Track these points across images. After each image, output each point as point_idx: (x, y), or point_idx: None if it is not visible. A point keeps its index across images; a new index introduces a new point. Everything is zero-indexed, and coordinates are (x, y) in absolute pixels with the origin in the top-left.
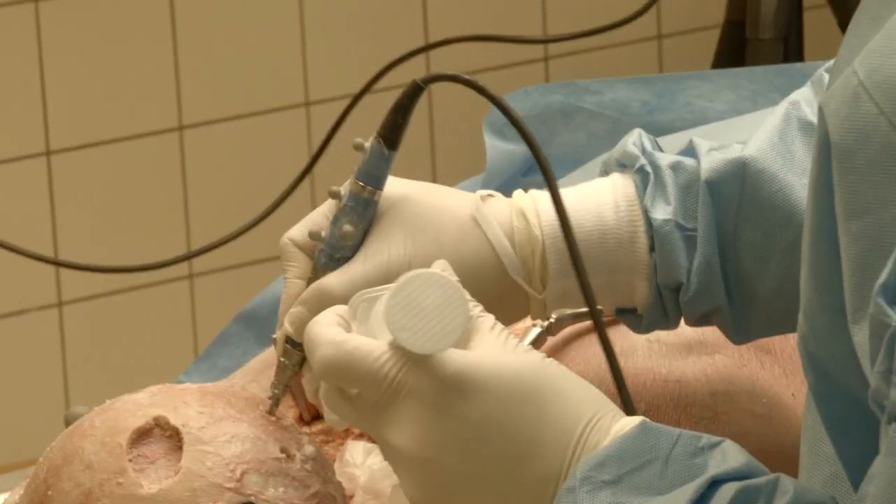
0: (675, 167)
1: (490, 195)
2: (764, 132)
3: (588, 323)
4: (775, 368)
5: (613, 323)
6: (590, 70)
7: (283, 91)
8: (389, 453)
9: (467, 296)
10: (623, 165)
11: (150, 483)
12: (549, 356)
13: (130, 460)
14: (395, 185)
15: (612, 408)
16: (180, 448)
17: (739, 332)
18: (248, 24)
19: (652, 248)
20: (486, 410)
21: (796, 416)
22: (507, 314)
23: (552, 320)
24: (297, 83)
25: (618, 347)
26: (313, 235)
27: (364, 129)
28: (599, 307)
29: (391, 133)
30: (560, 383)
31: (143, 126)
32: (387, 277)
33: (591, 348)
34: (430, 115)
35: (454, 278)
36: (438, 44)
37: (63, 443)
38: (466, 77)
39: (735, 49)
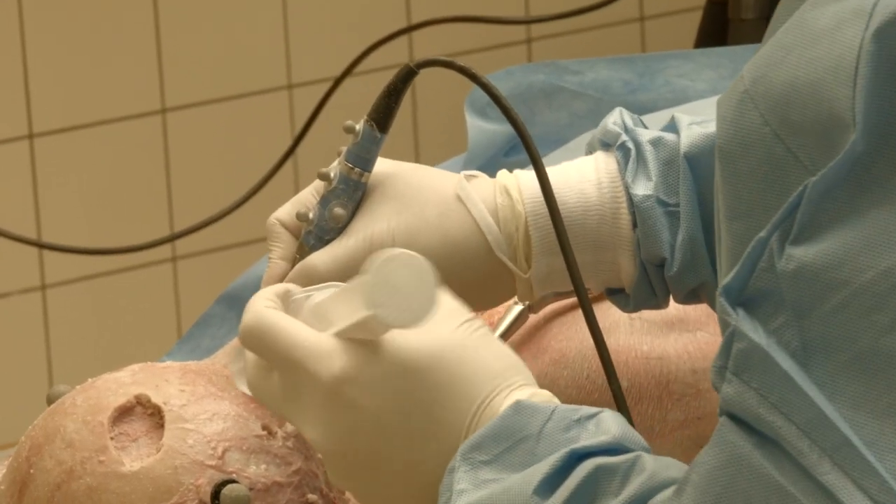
0: (656, 143)
1: (474, 175)
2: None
3: (571, 300)
4: None
5: (596, 300)
6: (572, 52)
7: (265, 73)
8: (308, 441)
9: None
10: (606, 144)
11: (132, 461)
12: (530, 334)
13: (112, 438)
14: (380, 164)
15: (513, 382)
16: (162, 426)
17: None
18: (231, 6)
19: (635, 225)
20: (379, 402)
21: None
22: (494, 295)
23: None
24: (279, 66)
25: (600, 325)
26: (301, 217)
27: (347, 111)
28: (587, 287)
29: (383, 116)
30: (462, 366)
31: (126, 109)
32: (370, 252)
33: (573, 325)
34: (412, 96)
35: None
36: (420, 25)
37: (45, 421)
38: (460, 64)
39: (717, 29)
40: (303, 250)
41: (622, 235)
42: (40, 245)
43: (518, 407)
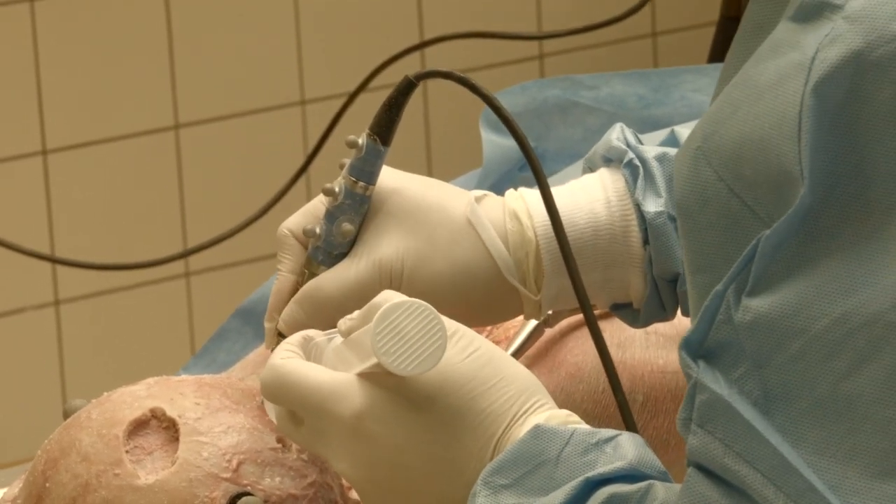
0: (661, 159)
1: (485, 195)
2: None
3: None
4: None
5: (611, 315)
6: (585, 67)
7: (278, 89)
8: (339, 474)
9: (450, 333)
10: (608, 160)
11: (147, 474)
12: (546, 348)
13: (127, 451)
14: (388, 178)
15: (531, 405)
16: (177, 439)
17: None
18: (244, 22)
19: (646, 241)
20: (398, 437)
21: None
22: (501, 314)
23: (550, 312)
24: (292, 81)
25: (615, 339)
26: (308, 233)
27: (360, 128)
28: (593, 304)
29: (385, 129)
30: (477, 400)
31: (139, 125)
32: (379, 276)
33: (589, 339)
34: (425, 112)
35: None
36: (433, 41)
37: (60, 435)
38: (458, 74)
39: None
40: (311, 264)
41: (633, 253)
42: (53, 260)
43: (537, 432)
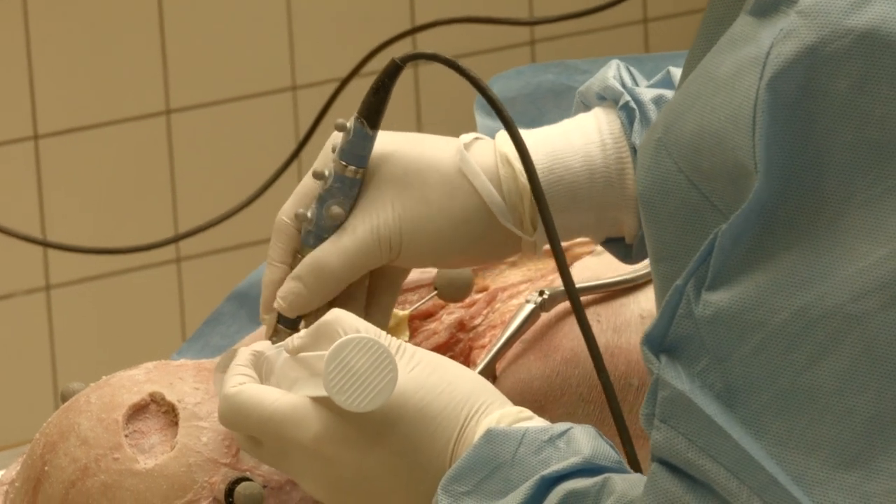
0: (658, 101)
1: (475, 139)
2: None
3: (581, 299)
4: None
5: (607, 299)
6: (576, 53)
7: (269, 75)
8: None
9: (392, 352)
10: (602, 98)
11: (146, 458)
12: (542, 333)
13: (126, 436)
14: (377, 145)
15: (481, 406)
16: (176, 423)
17: None
18: (235, 7)
19: None
20: (358, 456)
21: None
22: (498, 254)
23: (545, 297)
24: (283, 67)
25: (611, 324)
26: (300, 217)
27: (351, 113)
28: (587, 240)
29: (373, 112)
30: (428, 407)
31: (131, 110)
32: (378, 244)
33: None
34: (416, 97)
35: (380, 336)
36: (425, 26)
37: (59, 419)
38: (445, 56)
39: None
40: (303, 248)
41: (628, 195)
42: (45, 244)
43: (489, 436)
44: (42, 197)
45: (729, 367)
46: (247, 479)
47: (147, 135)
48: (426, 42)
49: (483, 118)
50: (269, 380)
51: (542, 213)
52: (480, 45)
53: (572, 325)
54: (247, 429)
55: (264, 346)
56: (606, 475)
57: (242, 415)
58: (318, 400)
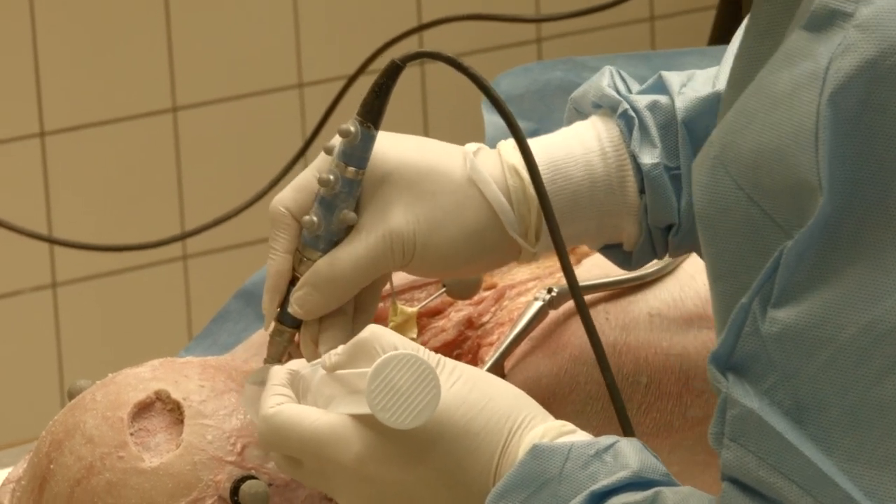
0: (653, 108)
1: (479, 148)
2: (729, 64)
3: (589, 297)
4: None
5: (615, 297)
6: (582, 51)
7: (276, 73)
8: None
9: (436, 370)
10: (598, 106)
11: (152, 457)
12: (550, 330)
13: (132, 434)
14: (383, 146)
15: (524, 420)
16: (181, 421)
17: None
18: (242, 5)
19: (641, 191)
20: (401, 474)
21: None
22: (497, 264)
23: (554, 294)
24: (290, 65)
25: (619, 322)
26: (306, 224)
27: (358, 111)
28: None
29: (375, 114)
30: (471, 423)
31: (137, 107)
32: (391, 249)
33: (593, 322)
34: (423, 95)
35: (422, 354)
36: (432, 24)
37: (65, 417)
38: (446, 55)
39: (732, 28)
40: (308, 251)
41: (629, 203)
42: (51, 241)
43: (536, 451)
44: (48, 194)
45: (797, 384)
46: (252, 477)
47: (154, 132)
48: (432, 39)
49: (491, 115)
50: (306, 398)
51: (549, 223)
52: (487, 42)
53: (579, 323)
54: (287, 449)
55: (300, 364)
56: (657, 489)
57: (282, 435)
58: (358, 418)
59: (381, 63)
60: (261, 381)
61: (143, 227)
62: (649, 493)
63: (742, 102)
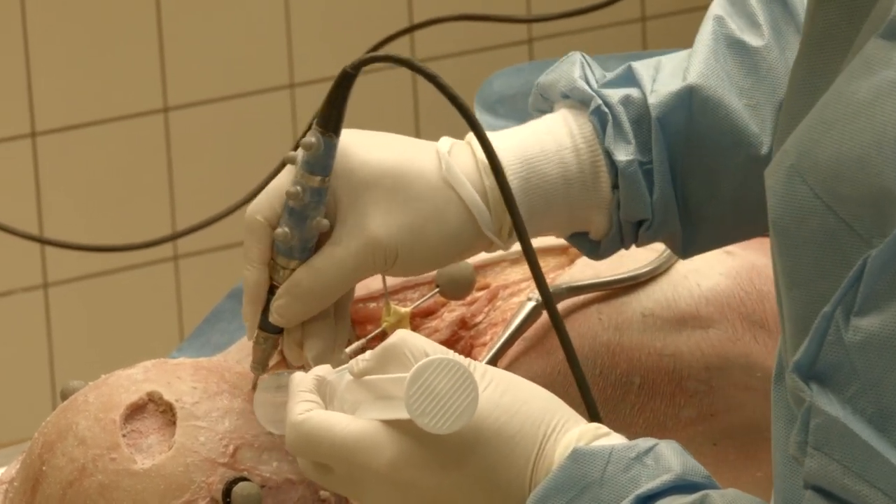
0: (625, 102)
1: (452, 144)
2: (700, 56)
3: (582, 297)
4: (769, 343)
5: (608, 297)
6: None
7: (267, 73)
8: None
9: (472, 373)
10: (567, 97)
11: (144, 458)
12: (543, 331)
13: (124, 436)
14: (359, 154)
15: (557, 423)
16: (174, 423)
17: (687, 250)
18: (233, 5)
19: (614, 186)
20: (436, 479)
21: None
22: (468, 256)
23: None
24: (281, 65)
25: (613, 322)
26: (279, 236)
27: (348, 111)
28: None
29: (334, 123)
30: (505, 427)
31: (129, 107)
32: (373, 257)
33: (585, 322)
34: (414, 95)
35: (450, 355)
36: (423, 24)
37: (57, 418)
38: (398, 56)
39: None
40: (284, 259)
41: (602, 197)
42: (42, 241)
43: (576, 455)
44: (40, 194)
45: (881, 392)
46: (244, 479)
47: (145, 132)
48: (423, 40)
49: (483, 115)
50: (332, 404)
51: (517, 229)
52: (478, 42)
53: (573, 323)
54: (317, 456)
55: (325, 370)
56: (704, 492)
57: (313, 442)
58: (391, 423)
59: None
60: (274, 388)
61: (134, 228)
62: (696, 496)
63: (819, 112)
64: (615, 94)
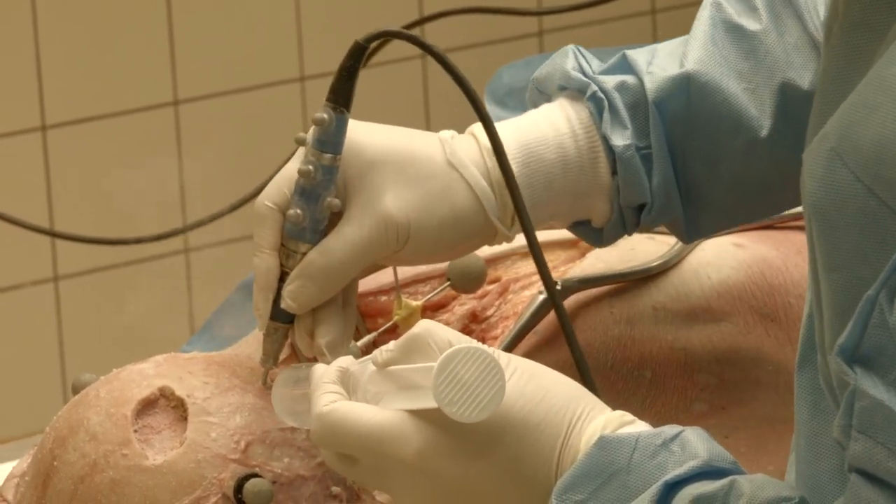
0: (621, 88)
1: (452, 135)
2: (698, 41)
3: (594, 290)
4: (780, 336)
5: (620, 290)
6: (584, 44)
7: (277, 66)
8: None
9: (498, 361)
10: (564, 88)
11: (155, 454)
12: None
13: (135, 431)
14: (365, 137)
15: (582, 411)
16: (185, 419)
17: (691, 234)
18: None
19: (613, 172)
20: (462, 468)
21: None
22: (473, 247)
23: (558, 288)
24: (291, 57)
25: (624, 315)
26: (291, 218)
27: (358, 103)
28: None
29: (345, 97)
30: (530, 416)
31: (139, 100)
32: (386, 234)
33: (596, 316)
34: (424, 86)
35: (485, 348)
36: (433, 17)
37: (69, 413)
38: (408, 33)
39: None
40: (294, 243)
41: (601, 184)
42: (53, 234)
43: (602, 443)
44: (50, 187)
45: None
46: (256, 475)
47: (155, 125)
48: (434, 32)
49: (492, 107)
50: (356, 395)
51: (520, 216)
52: (489, 35)
53: (584, 316)
54: (343, 447)
55: (348, 361)
56: (732, 478)
57: (339, 433)
58: (417, 413)
59: (383, 56)
60: (293, 382)
61: (144, 221)
62: (725, 481)
63: (859, 95)
64: (611, 81)
